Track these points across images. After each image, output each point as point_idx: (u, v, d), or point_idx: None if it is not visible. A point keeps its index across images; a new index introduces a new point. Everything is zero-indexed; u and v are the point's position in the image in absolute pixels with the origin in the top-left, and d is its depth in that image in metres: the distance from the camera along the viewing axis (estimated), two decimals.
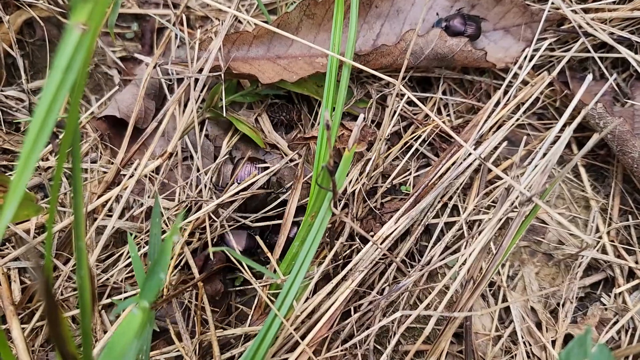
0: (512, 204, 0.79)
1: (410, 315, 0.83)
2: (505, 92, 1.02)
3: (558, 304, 0.95)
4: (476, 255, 0.79)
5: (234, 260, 0.89)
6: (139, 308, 0.60)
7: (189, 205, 0.90)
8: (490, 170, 1.01)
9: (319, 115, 1.03)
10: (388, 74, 0.99)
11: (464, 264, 0.82)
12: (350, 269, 0.88)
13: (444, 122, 1.01)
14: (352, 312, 0.89)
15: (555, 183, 0.73)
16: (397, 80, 0.90)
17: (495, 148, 1.00)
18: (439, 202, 0.95)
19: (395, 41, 1.04)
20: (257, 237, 0.92)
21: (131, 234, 0.93)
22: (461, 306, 0.79)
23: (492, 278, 0.95)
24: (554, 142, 1.05)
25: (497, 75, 1.09)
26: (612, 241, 0.98)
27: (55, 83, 0.48)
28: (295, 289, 0.79)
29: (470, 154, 0.93)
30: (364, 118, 0.93)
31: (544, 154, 0.83)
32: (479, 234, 0.81)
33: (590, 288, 0.98)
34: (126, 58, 1.14)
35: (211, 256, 0.89)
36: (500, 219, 0.80)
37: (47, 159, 0.99)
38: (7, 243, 0.93)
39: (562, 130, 1.06)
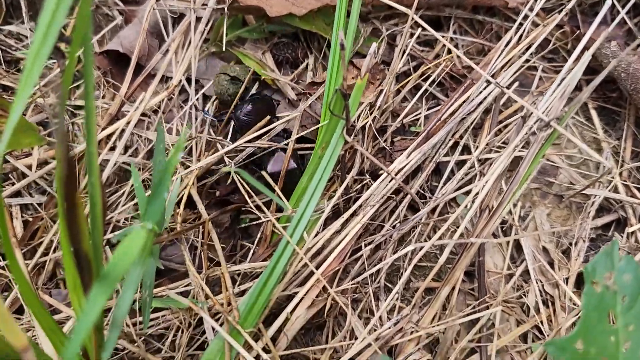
0: (530, 128, 0.77)
1: (422, 247, 0.81)
2: (517, 34, 1.00)
3: (570, 244, 0.93)
4: (492, 184, 0.78)
5: (243, 191, 0.86)
6: (143, 227, 0.57)
7: (197, 141, 0.88)
8: (501, 111, 0.99)
9: (327, 54, 1.01)
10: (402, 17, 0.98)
11: (476, 195, 0.80)
12: (361, 204, 0.86)
13: (453, 62, 0.99)
14: (364, 248, 0.88)
15: (574, 108, 0.72)
16: (406, 11, 0.87)
17: (508, 87, 0.98)
18: (450, 139, 0.93)
19: None
20: (263, 172, 0.90)
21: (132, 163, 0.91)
22: (476, 234, 0.78)
23: (504, 217, 0.93)
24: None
25: (508, 17, 1.06)
26: (625, 182, 0.97)
27: None
28: (306, 220, 0.77)
29: (483, 89, 0.91)
30: (375, 51, 0.90)
31: (560, 81, 0.81)
32: (494, 163, 0.79)
33: (602, 230, 0.97)
34: (127, 0, 1.11)
35: (239, 186, 0.86)
36: (516, 147, 0.78)
37: (48, 96, 0.96)
38: (8, 179, 0.90)
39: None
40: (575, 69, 0.75)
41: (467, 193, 0.95)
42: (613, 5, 1.05)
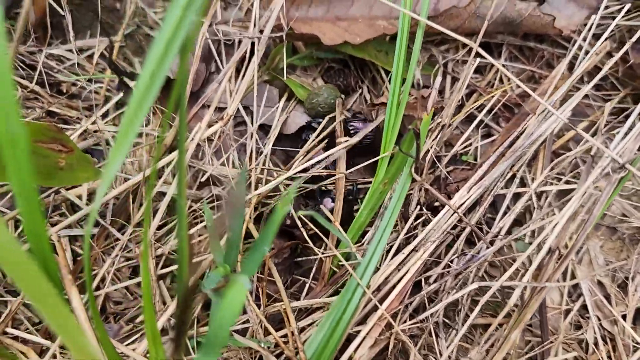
0: (603, 170, 0.76)
1: (488, 287, 0.80)
2: (571, 62, 0.98)
3: (626, 278, 0.93)
4: (562, 225, 0.76)
5: (304, 231, 0.84)
6: (240, 281, 0.54)
7: (256, 175, 0.86)
8: (554, 141, 0.98)
9: (381, 81, 0.99)
10: (451, 42, 0.96)
11: (545, 236, 0.79)
12: (422, 240, 0.84)
13: (511, 89, 0.97)
14: (423, 284, 0.86)
15: None
16: (468, 42, 0.86)
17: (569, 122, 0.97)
18: (508, 172, 0.92)
19: (456, 3, 1.00)
20: (322, 207, 0.88)
21: (194, 217, 0.89)
22: (547, 277, 0.76)
23: (560, 251, 0.92)
24: (621, 112, 1.03)
25: (558, 43, 1.05)
26: None
27: (173, 20, 0.44)
28: (376, 260, 0.76)
29: (542, 121, 0.89)
30: (438, 85, 0.89)
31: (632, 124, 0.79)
32: (564, 205, 0.78)
33: None
34: None
35: (297, 222, 0.84)
36: (588, 188, 0.77)
37: (95, 122, 0.94)
38: (58, 208, 0.88)
39: (623, 100, 1.03)
40: None
41: (532, 233, 0.94)
42: None
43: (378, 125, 0.90)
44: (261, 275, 0.84)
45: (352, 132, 0.90)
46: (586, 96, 1.04)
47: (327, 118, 0.93)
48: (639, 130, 0.75)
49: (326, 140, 0.91)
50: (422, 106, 0.86)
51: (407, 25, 0.84)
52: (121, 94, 0.90)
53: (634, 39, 0.96)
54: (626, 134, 0.77)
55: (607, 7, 1.04)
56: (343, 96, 0.95)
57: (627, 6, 0.94)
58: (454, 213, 0.85)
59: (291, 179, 0.88)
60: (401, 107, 0.81)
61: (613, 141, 0.77)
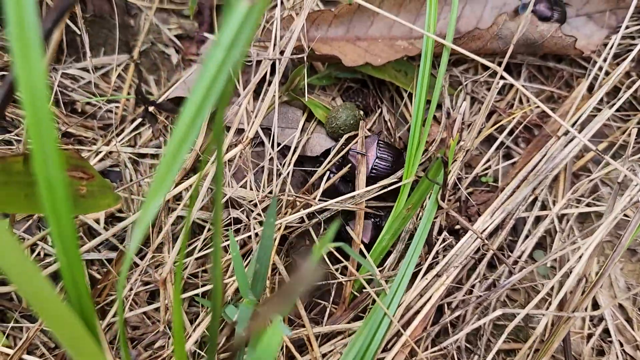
0: (630, 201, 0.75)
1: (515, 314, 0.79)
2: (591, 83, 0.98)
3: None
4: (590, 254, 0.76)
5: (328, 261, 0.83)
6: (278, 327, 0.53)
7: (280, 199, 0.84)
8: (573, 162, 0.97)
9: (400, 100, 0.98)
10: (474, 63, 0.95)
11: (571, 264, 0.78)
12: (445, 265, 0.83)
13: (531, 110, 0.97)
14: (445, 309, 0.85)
15: None
16: (488, 73, 0.85)
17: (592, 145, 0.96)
18: (530, 195, 0.91)
19: (475, 24, 0.99)
20: (348, 229, 0.87)
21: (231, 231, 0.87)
22: (575, 306, 0.76)
23: (587, 279, 0.91)
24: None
25: (576, 63, 1.04)
26: None
27: (217, 60, 0.42)
28: (404, 287, 0.75)
29: (564, 147, 0.89)
30: (465, 111, 0.88)
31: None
32: (591, 234, 0.77)
33: None
34: (182, 36, 1.07)
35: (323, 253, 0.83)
36: (616, 217, 0.76)
37: (108, 144, 0.92)
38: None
39: None
40: None
41: (545, 247, 0.93)
42: None
43: (399, 150, 0.88)
44: None
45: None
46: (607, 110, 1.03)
47: (344, 137, 0.91)
48: None
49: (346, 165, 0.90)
50: (445, 131, 0.85)
51: (430, 48, 0.83)
52: (142, 118, 0.88)
53: None
54: None
55: (627, 27, 1.03)
56: (362, 113, 0.93)
57: None
58: (477, 238, 0.84)
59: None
60: (425, 132, 0.80)
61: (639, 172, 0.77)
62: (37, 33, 0.40)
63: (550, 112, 0.77)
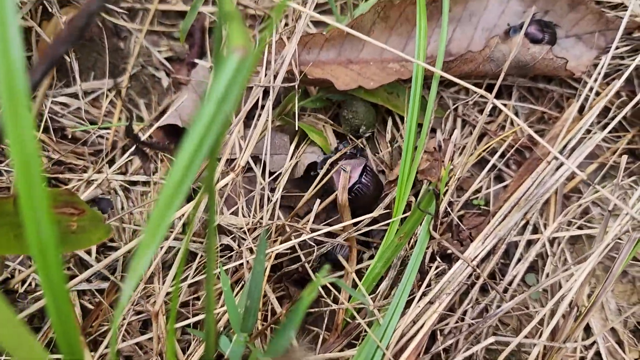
0: (620, 231, 0.76)
1: (508, 342, 0.79)
2: (581, 104, 0.98)
3: (638, 323, 0.93)
4: (581, 282, 0.76)
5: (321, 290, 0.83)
6: None
7: (273, 226, 0.84)
8: (564, 184, 0.98)
9: (392, 122, 0.98)
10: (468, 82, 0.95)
11: (563, 292, 0.78)
12: (437, 292, 0.84)
13: (517, 136, 0.97)
14: (438, 335, 0.86)
15: None
16: (480, 90, 0.85)
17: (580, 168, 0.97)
18: (521, 220, 0.91)
19: (466, 46, 0.99)
20: (340, 257, 0.87)
21: (220, 264, 0.87)
22: (567, 334, 0.76)
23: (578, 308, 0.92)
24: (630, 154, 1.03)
25: (567, 83, 1.05)
26: None
27: (208, 114, 0.42)
28: (397, 317, 0.75)
29: (557, 169, 0.89)
30: (457, 138, 0.88)
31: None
32: (578, 264, 0.78)
33: None
34: (172, 59, 1.07)
35: (310, 272, 0.83)
36: (608, 245, 0.77)
37: (100, 172, 0.92)
38: (65, 263, 0.86)
39: (632, 141, 1.03)
40: None
41: (537, 271, 0.94)
42: None
43: (381, 183, 0.89)
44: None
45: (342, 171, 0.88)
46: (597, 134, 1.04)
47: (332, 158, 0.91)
48: None
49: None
50: (436, 160, 0.85)
51: (420, 75, 0.84)
52: (133, 155, 0.88)
53: None
54: None
55: (616, 48, 1.03)
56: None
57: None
58: (468, 266, 0.85)
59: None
60: (415, 163, 0.80)
61: (632, 198, 0.77)
62: (25, 94, 0.39)
63: (538, 139, 0.77)
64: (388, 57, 0.96)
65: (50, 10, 0.86)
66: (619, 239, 0.89)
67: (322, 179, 0.87)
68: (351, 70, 0.93)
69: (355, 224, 0.86)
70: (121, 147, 0.95)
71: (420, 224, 0.83)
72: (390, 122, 0.99)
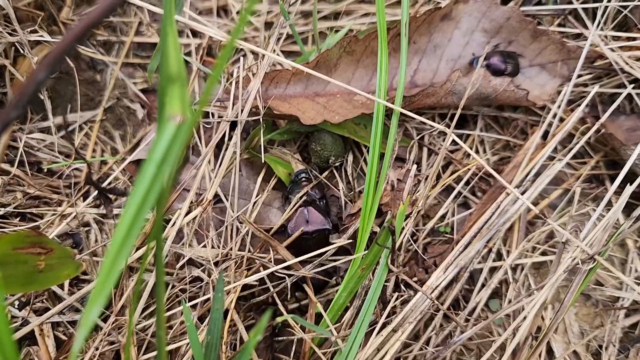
0: (571, 263, 0.78)
1: None
2: (546, 130, 1.01)
3: (600, 347, 0.95)
4: (535, 312, 0.79)
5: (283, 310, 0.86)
6: None
7: (237, 259, 0.87)
8: (529, 210, 1.00)
9: (359, 154, 1.01)
10: (427, 112, 0.98)
11: (522, 320, 0.81)
12: (400, 320, 0.86)
13: (487, 161, 1.00)
14: None
15: (614, 239, 0.73)
16: (442, 123, 0.88)
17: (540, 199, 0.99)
18: (483, 248, 0.94)
19: (432, 77, 1.02)
20: (305, 286, 0.89)
21: (183, 299, 0.90)
22: (526, 357, 0.79)
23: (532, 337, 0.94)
24: (589, 181, 1.05)
25: (531, 111, 1.07)
26: None
27: (149, 177, 0.45)
28: (357, 347, 0.77)
29: (517, 199, 0.92)
30: (410, 165, 0.91)
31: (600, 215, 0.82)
32: (530, 294, 0.80)
33: (628, 328, 0.99)
34: (148, 90, 1.10)
35: (277, 300, 0.86)
36: (558, 278, 0.79)
37: (76, 204, 0.94)
38: (41, 294, 0.88)
39: (596, 166, 1.06)
40: (618, 205, 0.76)
41: (501, 297, 0.96)
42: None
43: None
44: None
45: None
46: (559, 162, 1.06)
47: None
48: (608, 220, 0.77)
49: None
50: (399, 191, 0.88)
51: (381, 111, 0.86)
52: (96, 200, 0.91)
53: (609, 111, 0.99)
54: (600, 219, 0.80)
55: (579, 76, 1.06)
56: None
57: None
58: (432, 292, 0.87)
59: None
60: (377, 198, 0.83)
61: (583, 230, 0.80)
62: None
63: (494, 174, 0.80)
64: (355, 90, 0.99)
65: (22, 51, 0.89)
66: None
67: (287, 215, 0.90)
68: (317, 104, 0.96)
69: (320, 255, 0.89)
70: (96, 180, 0.98)
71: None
72: (358, 154, 1.02)
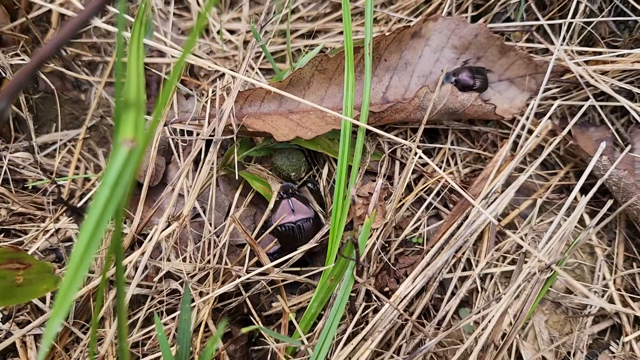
0: (529, 272, 0.81)
1: None
2: (514, 143, 1.04)
3: (568, 353, 0.97)
4: (497, 320, 0.81)
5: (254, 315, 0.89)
6: None
7: (212, 271, 0.90)
8: (499, 220, 1.03)
9: (332, 170, 1.04)
10: (400, 126, 1.02)
11: (484, 329, 0.84)
12: (370, 329, 0.89)
13: (453, 177, 1.03)
14: None
15: (571, 248, 0.76)
16: (409, 139, 0.91)
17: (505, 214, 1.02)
18: (452, 257, 0.97)
19: (403, 93, 1.05)
20: (279, 298, 0.93)
21: (158, 311, 0.93)
22: None
23: (505, 329, 0.97)
24: (560, 191, 1.08)
25: (502, 124, 1.11)
26: (619, 289, 1.01)
27: (103, 199, 0.48)
28: (323, 357, 0.80)
29: (482, 212, 0.94)
30: (381, 180, 0.94)
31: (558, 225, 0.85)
32: (497, 301, 0.83)
33: (597, 334, 1.01)
34: None
35: (252, 310, 0.89)
36: (519, 286, 0.82)
37: (58, 220, 0.98)
38: (24, 308, 0.92)
39: (566, 177, 1.09)
40: (575, 214, 0.79)
41: (471, 305, 0.99)
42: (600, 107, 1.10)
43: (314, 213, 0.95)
44: None
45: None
46: (531, 176, 1.09)
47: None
48: (564, 230, 0.80)
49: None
50: (368, 205, 0.91)
51: (349, 128, 0.90)
52: (69, 217, 0.95)
53: (572, 123, 1.03)
54: (555, 231, 0.83)
55: (548, 90, 1.09)
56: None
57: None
58: (399, 303, 0.90)
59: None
60: (345, 212, 0.86)
61: (541, 241, 0.82)
62: None
63: (460, 190, 0.83)
64: (327, 106, 1.02)
65: (4, 74, 0.93)
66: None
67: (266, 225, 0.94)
68: (291, 121, 1.00)
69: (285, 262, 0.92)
70: (79, 196, 1.01)
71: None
72: (332, 169, 1.05)
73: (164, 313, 0.94)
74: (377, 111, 0.98)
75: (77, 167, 1.05)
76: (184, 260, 0.93)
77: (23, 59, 0.95)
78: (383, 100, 1.05)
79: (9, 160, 1.02)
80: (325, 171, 1.05)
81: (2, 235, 0.96)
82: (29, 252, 0.92)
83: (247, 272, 0.89)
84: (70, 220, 0.93)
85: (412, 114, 1.00)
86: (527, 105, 1.07)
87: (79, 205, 0.97)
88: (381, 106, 1.03)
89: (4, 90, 0.48)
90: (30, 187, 1.02)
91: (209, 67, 0.88)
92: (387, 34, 1.00)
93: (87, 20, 0.45)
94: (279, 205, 0.96)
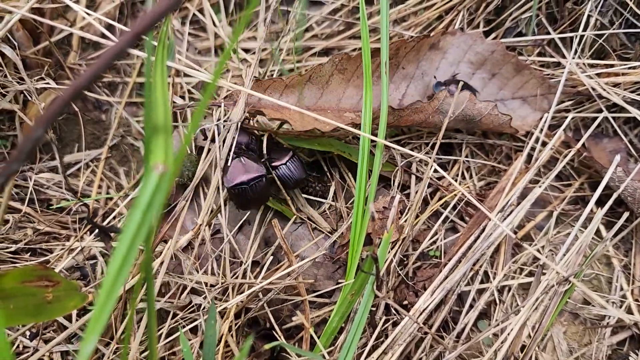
0: (547, 285, 0.82)
1: None
2: (529, 156, 1.05)
3: None
4: (516, 333, 0.82)
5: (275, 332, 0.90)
6: None
7: (230, 285, 0.92)
8: (515, 232, 1.04)
9: (349, 178, 1.06)
10: (415, 141, 1.03)
11: (503, 341, 0.85)
12: (390, 342, 0.90)
13: (469, 191, 1.04)
14: None
15: (588, 261, 0.77)
16: (423, 152, 0.93)
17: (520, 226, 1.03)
18: (470, 270, 0.98)
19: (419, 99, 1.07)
20: (299, 313, 0.94)
21: (181, 326, 0.95)
22: None
23: (524, 341, 0.98)
24: (575, 202, 1.09)
25: (516, 137, 1.12)
26: (637, 300, 1.01)
27: (135, 223, 0.50)
28: None
29: (499, 224, 0.96)
30: (398, 196, 0.96)
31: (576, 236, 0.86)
32: (516, 313, 0.84)
33: (616, 345, 1.01)
34: None
35: (274, 325, 0.90)
36: (538, 298, 0.83)
37: (82, 239, 1.00)
38: (51, 325, 0.94)
39: (580, 188, 1.10)
40: (591, 226, 0.80)
41: (489, 317, 1.00)
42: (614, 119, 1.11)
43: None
44: None
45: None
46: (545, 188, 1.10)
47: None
48: (581, 243, 0.81)
49: None
50: (385, 219, 0.92)
51: (367, 144, 0.91)
52: (97, 238, 0.97)
53: (586, 135, 1.04)
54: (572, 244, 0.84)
55: (561, 102, 1.11)
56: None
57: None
58: (419, 315, 0.91)
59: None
60: (364, 225, 0.88)
61: (558, 253, 0.83)
62: None
63: (476, 203, 0.85)
64: (345, 107, 1.04)
65: (30, 98, 0.96)
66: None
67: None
68: (308, 116, 1.00)
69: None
70: (102, 215, 1.04)
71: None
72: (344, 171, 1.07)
73: (184, 327, 0.95)
74: (396, 108, 0.98)
75: (99, 186, 1.08)
76: (205, 273, 0.95)
77: (48, 83, 0.98)
78: (399, 107, 1.07)
79: (34, 181, 1.04)
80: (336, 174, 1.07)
81: (29, 254, 0.99)
82: (56, 270, 0.95)
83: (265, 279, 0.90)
84: (96, 239, 0.95)
85: (430, 117, 1.00)
86: (541, 118, 1.08)
87: (104, 224, 0.99)
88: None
89: (41, 118, 0.50)
90: (54, 207, 1.05)
91: (229, 88, 0.90)
92: (406, 40, 1.02)
93: (122, 52, 0.47)
94: (229, 166, 0.97)
